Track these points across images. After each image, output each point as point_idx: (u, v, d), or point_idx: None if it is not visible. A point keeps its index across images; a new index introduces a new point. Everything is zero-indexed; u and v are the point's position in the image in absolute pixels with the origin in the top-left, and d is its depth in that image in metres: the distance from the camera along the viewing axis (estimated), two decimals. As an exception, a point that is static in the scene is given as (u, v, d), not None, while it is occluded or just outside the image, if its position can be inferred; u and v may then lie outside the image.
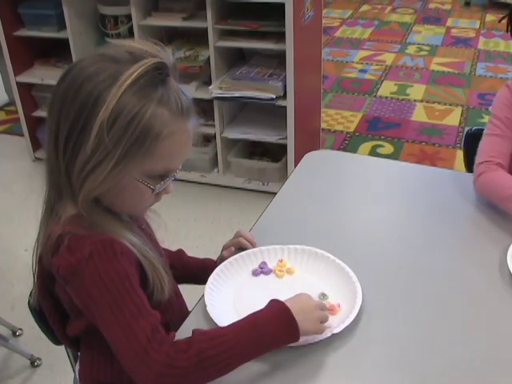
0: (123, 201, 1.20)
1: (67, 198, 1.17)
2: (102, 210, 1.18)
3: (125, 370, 1.08)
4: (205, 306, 1.30)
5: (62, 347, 1.50)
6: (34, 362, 2.47)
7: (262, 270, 1.44)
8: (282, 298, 1.26)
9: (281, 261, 1.46)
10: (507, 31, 1.76)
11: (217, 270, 1.42)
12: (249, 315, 1.15)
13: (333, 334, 1.23)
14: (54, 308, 1.32)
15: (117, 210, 1.22)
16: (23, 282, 2.88)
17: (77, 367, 1.44)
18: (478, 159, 1.73)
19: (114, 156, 1.09)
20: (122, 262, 1.11)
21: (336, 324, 1.25)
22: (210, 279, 1.39)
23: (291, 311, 1.15)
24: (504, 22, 1.83)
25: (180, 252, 1.60)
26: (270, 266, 1.45)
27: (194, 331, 1.10)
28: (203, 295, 1.34)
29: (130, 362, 1.06)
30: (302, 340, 1.19)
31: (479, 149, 1.77)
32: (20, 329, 2.61)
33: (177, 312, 1.38)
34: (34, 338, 2.54)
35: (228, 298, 1.35)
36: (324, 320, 1.21)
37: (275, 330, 1.13)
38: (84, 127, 1.09)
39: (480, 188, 1.70)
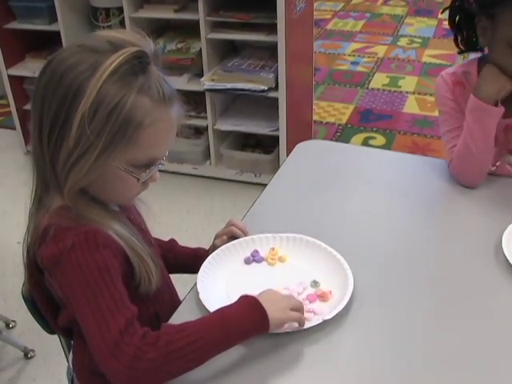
0: (109, 191, 1.20)
1: (54, 189, 1.17)
2: (88, 201, 1.18)
3: (101, 368, 1.06)
4: (197, 293, 1.30)
5: (55, 338, 1.50)
6: (27, 354, 2.47)
7: (254, 258, 1.44)
8: (274, 286, 1.27)
9: (273, 249, 1.46)
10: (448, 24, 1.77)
11: (209, 258, 1.42)
12: (217, 309, 1.15)
13: (324, 321, 1.23)
14: (44, 299, 1.32)
15: (104, 200, 1.21)
16: (16, 274, 2.84)
17: (70, 357, 1.45)
18: (447, 159, 1.76)
19: (97, 147, 1.09)
20: (103, 254, 1.11)
21: (327, 311, 1.26)
22: (203, 267, 1.39)
23: (259, 301, 1.15)
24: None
25: (172, 242, 1.60)
26: (262, 254, 1.45)
27: (162, 325, 1.10)
28: (195, 284, 1.35)
29: (101, 355, 1.04)
30: (294, 326, 1.22)
31: (445, 147, 1.78)
32: (13, 321, 2.62)
33: (167, 302, 1.38)
34: (27, 329, 2.55)
35: (220, 286, 1.35)
36: (296, 307, 1.21)
37: (244, 318, 1.13)
38: (66, 120, 1.09)
39: (455, 165, 1.72)
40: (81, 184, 1.14)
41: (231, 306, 1.16)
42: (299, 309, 1.22)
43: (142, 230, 1.35)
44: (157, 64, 1.16)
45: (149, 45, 1.15)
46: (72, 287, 1.09)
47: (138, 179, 1.18)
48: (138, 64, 1.11)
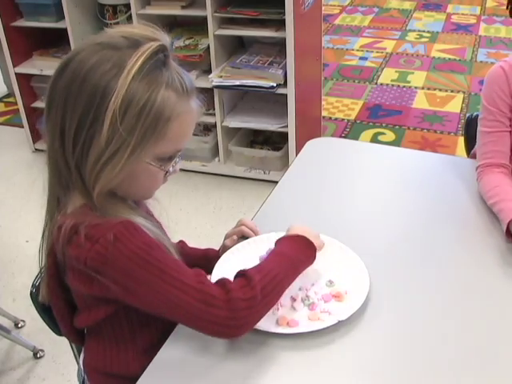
0: (137, 186, 1.20)
1: (75, 191, 1.16)
2: (112, 200, 1.17)
3: (196, 327, 1.13)
4: None
5: (65, 338, 1.49)
6: (36, 354, 2.46)
7: (268, 256, 1.43)
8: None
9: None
10: (506, 7, 1.70)
11: (224, 256, 1.42)
12: (270, 253, 1.27)
13: (339, 321, 1.22)
14: (63, 301, 1.30)
15: (128, 196, 1.21)
16: (25, 273, 2.87)
17: (81, 357, 1.43)
18: (477, 160, 1.69)
19: (130, 144, 1.09)
20: (145, 235, 1.12)
21: (343, 311, 1.24)
22: (217, 265, 1.38)
23: (306, 237, 1.29)
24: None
25: (181, 243, 1.58)
26: None
27: (240, 271, 1.17)
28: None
29: (200, 313, 1.09)
30: (310, 326, 1.21)
31: (478, 149, 1.71)
32: (22, 320, 2.61)
33: None
34: (36, 329, 2.54)
35: None
36: (318, 235, 1.36)
37: (300, 251, 1.27)
38: (94, 120, 1.08)
39: (480, 192, 1.66)
40: (112, 184, 1.14)
41: (280, 246, 1.29)
42: (319, 236, 1.37)
43: (161, 227, 1.35)
44: (173, 56, 1.16)
45: (165, 38, 1.14)
46: (134, 275, 1.09)
47: (167, 172, 1.19)
48: (160, 58, 1.11)
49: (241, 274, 1.16)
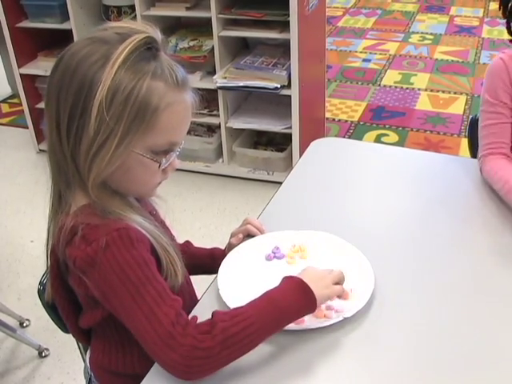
0: (131, 180, 1.19)
1: (75, 186, 1.16)
2: (111, 194, 1.18)
3: (151, 357, 1.08)
4: (217, 290, 1.30)
5: (70, 337, 1.49)
6: (41, 353, 2.47)
7: (274, 254, 1.44)
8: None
9: (294, 246, 1.46)
10: (499, 9, 1.72)
11: (230, 254, 1.43)
12: (264, 293, 1.15)
13: (344, 319, 1.23)
14: (67, 301, 1.31)
15: (125, 192, 1.21)
16: (30, 272, 2.88)
17: (87, 356, 1.44)
18: (479, 152, 1.71)
19: (117, 133, 1.09)
20: (139, 249, 1.11)
21: (348, 309, 1.25)
22: (223, 263, 1.39)
23: (305, 282, 1.17)
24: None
25: (187, 243, 1.58)
26: (283, 250, 1.45)
27: (213, 313, 1.11)
28: (213, 280, 1.34)
29: (156, 349, 1.06)
30: (315, 323, 1.21)
31: (479, 141, 1.73)
32: (27, 319, 2.62)
33: (188, 300, 1.37)
34: (41, 328, 2.55)
35: (241, 283, 1.34)
36: (338, 280, 1.25)
37: (293, 301, 1.15)
38: (84, 110, 1.09)
39: (486, 180, 1.68)
40: (104, 174, 1.13)
41: (278, 288, 1.17)
42: (341, 281, 1.26)
43: (164, 226, 1.35)
44: (165, 52, 1.16)
45: (156, 33, 1.15)
46: (113, 286, 1.09)
47: (160, 164, 1.18)
48: (149, 50, 1.12)
49: (213, 315, 1.11)
